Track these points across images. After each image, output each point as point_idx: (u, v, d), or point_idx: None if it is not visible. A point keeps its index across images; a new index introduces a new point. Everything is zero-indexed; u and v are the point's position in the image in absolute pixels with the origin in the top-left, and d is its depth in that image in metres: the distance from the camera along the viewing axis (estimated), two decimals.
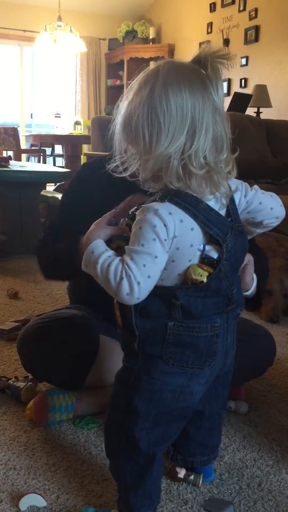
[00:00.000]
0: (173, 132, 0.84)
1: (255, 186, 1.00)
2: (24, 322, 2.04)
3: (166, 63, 0.88)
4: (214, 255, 0.90)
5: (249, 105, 4.90)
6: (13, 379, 1.57)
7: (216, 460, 1.24)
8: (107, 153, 1.15)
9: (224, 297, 0.94)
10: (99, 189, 1.35)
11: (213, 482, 1.18)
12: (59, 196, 3.93)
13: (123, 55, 7.84)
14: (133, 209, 0.92)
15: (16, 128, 6.36)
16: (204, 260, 0.90)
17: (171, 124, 0.84)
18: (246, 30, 5.97)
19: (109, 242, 0.94)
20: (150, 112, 0.85)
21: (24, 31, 7.73)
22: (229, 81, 6.30)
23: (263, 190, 1.02)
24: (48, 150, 6.94)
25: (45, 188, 4.27)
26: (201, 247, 0.90)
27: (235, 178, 0.96)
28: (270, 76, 5.65)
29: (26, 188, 3.44)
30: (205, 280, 0.89)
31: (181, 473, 1.16)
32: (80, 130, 7.20)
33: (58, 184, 4.77)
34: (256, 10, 5.82)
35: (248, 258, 1.16)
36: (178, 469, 1.16)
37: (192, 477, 1.16)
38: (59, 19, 6.37)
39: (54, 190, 4.67)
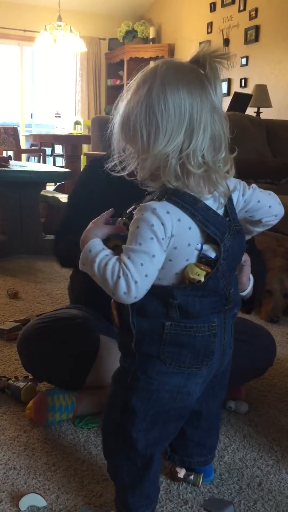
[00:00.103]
0: (171, 131, 0.84)
1: (253, 185, 1.00)
2: (24, 322, 2.04)
3: (164, 63, 0.88)
4: (212, 254, 0.90)
5: (249, 105, 4.90)
6: (13, 379, 1.57)
7: (216, 460, 1.24)
8: (106, 153, 1.15)
9: (222, 297, 0.94)
10: (99, 189, 1.36)
11: (213, 482, 1.18)
12: (59, 196, 3.93)
13: (123, 55, 7.85)
14: (130, 209, 0.92)
15: (16, 128, 6.36)
16: (202, 259, 0.90)
17: (169, 123, 0.84)
18: (246, 30, 5.97)
19: (106, 241, 0.94)
20: (148, 111, 0.85)
21: (24, 31, 7.73)
22: (229, 81, 6.30)
23: (261, 189, 1.02)
24: (48, 150, 6.94)
25: (45, 188, 4.28)
26: (199, 246, 0.90)
27: (234, 177, 0.96)
28: (270, 76, 5.66)
29: (26, 188, 3.44)
30: (202, 279, 0.89)
31: (181, 473, 1.16)
32: (80, 130, 7.20)
33: (58, 184, 4.77)
34: (256, 10, 5.82)
35: (245, 258, 1.16)
36: (178, 469, 1.16)
37: (192, 477, 1.16)
38: (59, 19, 6.37)
39: (54, 190, 4.67)
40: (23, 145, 6.94)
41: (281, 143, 4.30)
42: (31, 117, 8.52)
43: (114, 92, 8.29)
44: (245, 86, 6.04)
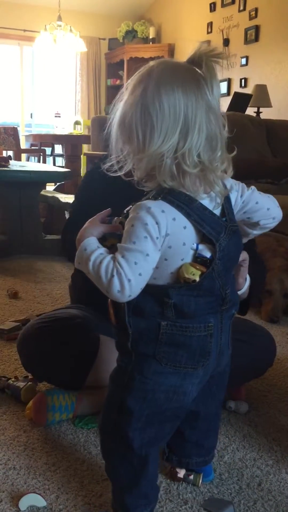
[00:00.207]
0: (165, 131, 0.85)
1: (252, 187, 1.00)
2: (24, 322, 2.04)
3: (159, 63, 0.89)
4: (207, 254, 0.90)
5: (249, 105, 4.90)
6: (13, 379, 1.57)
7: (216, 459, 1.24)
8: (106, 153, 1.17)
9: (218, 297, 0.94)
10: (101, 190, 1.36)
11: (213, 482, 1.18)
12: (59, 196, 3.93)
13: (123, 55, 7.84)
14: (128, 208, 0.93)
15: (16, 128, 6.36)
16: (197, 259, 0.90)
17: (163, 123, 0.85)
18: (246, 30, 5.98)
19: (102, 240, 0.95)
20: (143, 112, 0.86)
21: (24, 30, 7.73)
22: (229, 81, 6.31)
23: (261, 192, 1.02)
24: (48, 150, 6.94)
25: (45, 188, 4.27)
26: (194, 246, 0.90)
27: (233, 179, 0.96)
28: (270, 76, 5.66)
29: (26, 188, 3.44)
30: (197, 279, 0.89)
31: (181, 473, 1.16)
32: (80, 130, 7.20)
33: (58, 184, 4.77)
34: (256, 10, 5.82)
35: (244, 258, 1.16)
36: (178, 469, 1.16)
37: (192, 477, 1.16)
38: (59, 18, 6.37)
39: (54, 190, 4.67)
40: (23, 145, 6.94)
41: (281, 143, 4.30)
42: (31, 117, 8.52)
43: (114, 92, 8.26)
44: (245, 86, 6.04)
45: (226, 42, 6.33)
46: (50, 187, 4.89)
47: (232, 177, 0.98)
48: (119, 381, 0.98)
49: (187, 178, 0.88)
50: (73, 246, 0.96)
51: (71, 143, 6.12)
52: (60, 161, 7.36)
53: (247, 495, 1.14)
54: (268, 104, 5.25)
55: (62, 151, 7.06)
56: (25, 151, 6.65)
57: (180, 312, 0.91)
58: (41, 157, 6.54)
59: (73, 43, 6.46)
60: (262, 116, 5.17)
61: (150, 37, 7.93)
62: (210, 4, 6.60)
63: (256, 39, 5.86)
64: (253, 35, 5.88)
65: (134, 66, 0.91)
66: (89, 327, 1.41)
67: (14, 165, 3.63)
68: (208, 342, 0.94)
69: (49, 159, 7.14)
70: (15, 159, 5.60)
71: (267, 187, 3.45)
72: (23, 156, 6.60)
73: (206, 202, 0.91)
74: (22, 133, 7.65)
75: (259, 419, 1.46)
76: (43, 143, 6.63)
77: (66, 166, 5.94)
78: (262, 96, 5.23)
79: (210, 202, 0.91)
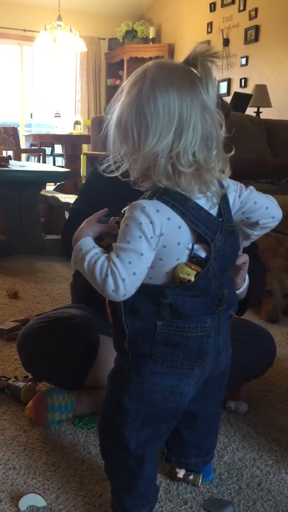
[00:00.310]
0: (160, 130, 0.85)
1: (250, 187, 1.00)
2: (24, 321, 2.04)
3: (154, 64, 0.89)
4: (203, 254, 0.91)
5: (249, 105, 4.90)
6: (12, 379, 1.57)
7: (216, 459, 1.24)
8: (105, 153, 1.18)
9: (214, 297, 0.94)
10: (101, 191, 1.36)
11: (213, 482, 1.18)
12: (59, 196, 3.93)
13: (123, 54, 7.84)
14: (125, 208, 0.93)
15: (16, 127, 6.37)
16: (193, 259, 0.90)
17: (158, 123, 0.85)
18: (246, 30, 5.97)
19: (99, 240, 0.95)
20: (138, 112, 0.86)
21: (24, 30, 7.73)
22: (229, 81, 6.31)
23: (260, 192, 1.01)
24: (48, 150, 6.94)
25: (45, 188, 4.27)
26: (190, 246, 0.90)
27: (233, 179, 0.96)
28: (270, 76, 5.66)
29: (26, 188, 3.44)
30: (192, 279, 0.90)
31: (181, 473, 1.16)
32: (80, 130, 7.21)
33: (58, 184, 4.77)
34: (256, 10, 5.82)
35: (244, 260, 1.16)
36: (177, 469, 1.16)
37: (191, 477, 1.16)
38: (59, 18, 6.37)
39: (54, 190, 4.67)
40: (23, 145, 6.94)
41: (281, 143, 4.30)
42: (31, 117, 8.52)
43: (114, 92, 7.98)
44: (245, 86, 6.04)
45: (226, 42, 6.33)
46: (50, 187, 4.89)
47: (232, 177, 0.98)
48: (117, 381, 0.98)
49: (182, 178, 0.88)
50: (72, 246, 0.97)
51: (71, 143, 6.13)
52: (60, 161, 7.36)
53: (246, 495, 1.14)
54: (268, 104, 5.25)
55: (62, 151, 7.06)
56: (25, 151, 6.66)
57: (176, 312, 0.91)
58: (41, 157, 6.54)
59: (73, 43, 6.46)
60: (262, 116, 5.17)
61: (150, 37, 7.93)
62: (210, 4, 6.60)
63: (256, 39, 5.86)
64: (253, 35, 5.88)
65: (134, 66, 0.92)
66: (88, 327, 1.41)
67: (14, 165, 3.63)
68: (205, 343, 0.94)
69: (49, 159, 7.14)
70: (15, 159, 5.60)
71: (267, 187, 3.45)
72: (23, 156, 6.60)
73: (202, 202, 0.91)
74: (22, 133, 7.65)
75: (258, 419, 1.46)
76: (43, 143, 6.63)
77: (66, 166, 5.94)
78: (262, 96, 5.23)
79: (207, 202, 0.92)
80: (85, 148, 6.92)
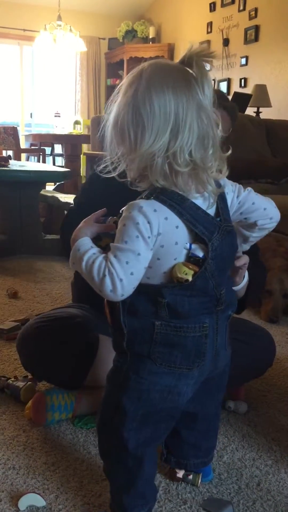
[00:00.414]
0: (156, 130, 0.86)
1: (248, 188, 1.00)
2: (24, 321, 2.04)
3: (150, 64, 0.90)
4: (200, 253, 0.91)
5: (249, 105, 4.90)
6: (12, 379, 1.57)
7: (215, 459, 1.24)
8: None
9: (212, 297, 0.94)
10: (101, 191, 1.36)
11: (212, 482, 1.18)
12: (59, 195, 3.93)
13: (123, 54, 7.84)
14: (123, 208, 0.93)
15: (16, 127, 6.36)
16: (190, 258, 0.91)
17: (154, 123, 0.85)
18: (246, 30, 5.97)
19: (97, 240, 0.95)
20: (135, 112, 0.86)
21: (24, 30, 7.72)
22: (229, 81, 6.30)
23: (258, 194, 1.02)
24: (48, 150, 6.94)
25: (44, 188, 4.27)
26: (187, 245, 0.90)
27: (233, 179, 0.97)
28: (270, 76, 5.65)
29: (25, 187, 3.44)
30: (190, 278, 0.90)
31: (180, 472, 1.16)
32: (79, 130, 7.20)
33: (57, 183, 4.77)
34: (256, 9, 5.81)
35: (245, 261, 1.16)
36: (177, 469, 1.16)
37: (191, 476, 1.16)
38: (59, 18, 6.37)
39: (54, 189, 4.67)
40: (23, 144, 6.94)
41: (281, 143, 4.30)
42: (31, 116, 8.52)
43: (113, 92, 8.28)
44: (245, 86, 6.04)
45: (226, 42, 6.33)
46: (49, 186, 4.89)
47: (231, 177, 0.98)
48: (115, 381, 0.98)
49: (179, 177, 0.88)
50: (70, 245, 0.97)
51: (71, 142, 6.12)
52: (60, 160, 7.36)
53: (246, 495, 1.14)
54: (268, 104, 5.25)
55: (62, 150, 7.06)
56: (25, 150, 6.65)
57: (174, 312, 0.91)
58: (41, 156, 6.54)
59: (73, 42, 6.46)
60: (262, 116, 5.17)
61: (150, 37, 7.93)
62: (210, 4, 6.60)
63: (256, 39, 5.86)
64: (253, 35, 5.87)
65: (134, 66, 0.92)
66: (88, 326, 1.41)
67: (14, 164, 3.62)
68: (203, 343, 0.94)
69: (49, 159, 7.13)
70: (15, 159, 5.60)
71: (267, 187, 3.45)
72: (23, 155, 6.59)
73: (199, 202, 0.91)
74: (22, 133, 7.65)
75: (258, 419, 1.46)
76: (42, 143, 6.63)
77: (65, 166, 5.94)
78: (262, 96, 5.23)
79: (204, 202, 0.92)
80: (85, 148, 6.92)
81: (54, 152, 7.22)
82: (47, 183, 4.67)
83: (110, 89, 8.39)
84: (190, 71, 0.88)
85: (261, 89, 5.26)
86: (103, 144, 0.94)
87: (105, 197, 1.21)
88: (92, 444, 1.31)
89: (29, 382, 1.52)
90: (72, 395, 1.40)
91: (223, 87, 6.32)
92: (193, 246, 0.90)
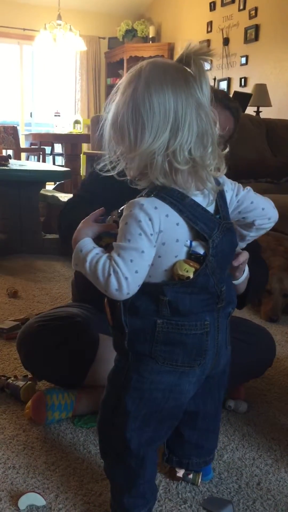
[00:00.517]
0: (156, 129, 0.86)
1: (248, 187, 1.00)
2: (24, 321, 2.04)
3: (148, 63, 0.90)
4: (201, 251, 0.91)
5: (249, 104, 4.90)
6: (12, 378, 1.57)
7: (215, 459, 1.24)
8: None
9: (213, 295, 0.94)
10: (99, 192, 1.36)
11: (212, 481, 1.18)
12: (58, 195, 3.93)
13: (123, 54, 7.84)
14: (122, 207, 0.93)
15: (16, 127, 6.36)
16: (191, 256, 0.91)
17: (154, 122, 0.86)
18: (246, 29, 5.97)
19: (98, 240, 0.95)
20: (134, 111, 0.87)
21: (24, 29, 7.72)
22: (229, 80, 6.30)
23: (258, 193, 1.02)
24: (48, 149, 6.94)
25: (44, 187, 4.27)
26: (188, 243, 0.90)
27: (233, 178, 0.97)
28: (270, 75, 5.65)
29: (25, 187, 3.44)
30: (191, 276, 0.90)
31: (180, 472, 1.16)
32: (79, 129, 7.20)
33: (57, 183, 4.77)
34: (256, 9, 5.81)
35: (245, 258, 1.16)
36: (177, 468, 1.16)
37: (191, 476, 1.16)
38: (59, 17, 6.36)
39: (54, 189, 4.67)
40: (23, 144, 6.94)
41: (281, 142, 4.29)
42: (31, 116, 8.51)
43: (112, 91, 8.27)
44: (245, 85, 6.03)
45: (226, 41, 6.33)
46: (49, 186, 4.89)
47: (231, 177, 0.98)
48: (116, 381, 0.98)
49: (179, 175, 0.88)
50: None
51: (71, 142, 6.11)
52: (59, 160, 7.36)
53: (246, 494, 1.14)
54: (268, 103, 5.25)
55: (62, 150, 7.06)
56: (24, 150, 6.65)
57: (175, 310, 0.91)
58: (41, 156, 6.53)
59: (73, 42, 6.46)
60: (262, 115, 5.17)
61: (150, 36, 7.92)
62: (210, 3, 6.59)
63: (256, 38, 5.85)
64: (253, 34, 5.87)
65: (134, 65, 0.92)
66: (88, 326, 1.41)
67: (14, 164, 3.62)
68: (204, 341, 0.94)
69: (49, 158, 7.13)
70: (15, 158, 5.60)
71: (267, 186, 3.45)
72: (23, 155, 6.59)
73: (199, 199, 0.91)
74: (22, 132, 7.65)
75: (258, 418, 1.46)
76: (42, 142, 6.63)
77: (65, 165, 5.94)
78: (262, 95, 5.22)
79: (204, 199, 0.92)
80: (85, 147, 6.92)
81: (54, 151, 7.22)
82: (47, 183, 4.67)
83: (110, 89, 8.25)
84: (188, 69, 0.88)
85: (261, 89, 5.25)
86: (102, 143, 0.94)
87: (104, 197, 1.21)
88: (92, 443, 1.31)
89: (29, 382, 1.52)
90: (72, 395, 1.40)
91: (223, 86, 6.31)
92: (194, 243, 0.90)
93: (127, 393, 0.95)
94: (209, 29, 6.65)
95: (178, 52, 0.90)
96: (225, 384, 1.09)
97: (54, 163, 6.99)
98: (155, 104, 0.85)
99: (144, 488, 1.01)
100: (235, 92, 5.00)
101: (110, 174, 0.96)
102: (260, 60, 5.83)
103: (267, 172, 3.74)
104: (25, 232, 3.45)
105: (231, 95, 4.94)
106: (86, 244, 0.93)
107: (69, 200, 1.58)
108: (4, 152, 4.92)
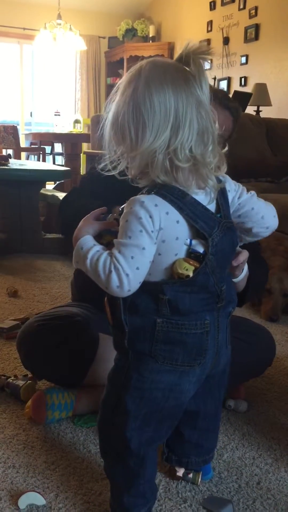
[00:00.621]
0: (157, 127, 0.86)
1: (252, 191, 1.00)
2: (24, 320, 2.04)
3: (148, 62, 0.90)
4: (201, 249, 0.91)
5: (249, 104, 4.90)
6: (12, 378, 1.57)
7: (215, 458, 1.24)
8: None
9: (213, 294, 0.94)
10: (100, 192, 1.36)
11: (212, 481, 1.18)
12: (58, 194, 3.93)
13: (123, 53, 7.83)
14: (123, 205, 0.93)
15: (16, 126, 6.36)
16: (191, 254, 0.91)
17: (155, 120, 0.86)
18: (246, 29, 5.96)
19: (99, 238, 0.95)
20: (135, 110, 0.87)
21: (24, 29, 7.72)
22: (229, 80, 6.30)
23: (262, 199, 1.01)
24: (48, 149, 6.94)
25: (44, 187, 4.27)
26: (188, 241, 0.90)
27: (233, 177, 0.97)
28: (270, 74, 5.65)
29: (25, 186, 3.44)
30: (191, 274, 0.90)
31: (180, 471, 1.16)
32: (79, 129, 7.20)
33: (57, 182, 4.76)
34: (256, 8, 5.81)
35: (245, 257, 1.16)
36: (177, 468, 1.16)
37: (191, 475, 1.16)
38: (59, 17, 6.36)
39: (54, 188, 4.67)
40: (23, 143, 6.94)
41: (281, 142, 4.29)
42: (31, 115, 8.51)
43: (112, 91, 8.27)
44: (245, 84, 6.03)
45: (226, 40, 6.32)
46: (49, 185, 4.89)
47: (232, 176, 0.98)
48: (116, 381, 0.98)
49: (180, 173, 0.89)
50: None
51: (71, 141, 6.11)
52: (59, 159, 7.36)
53: (246, 494, 1.14)
54: (268, 103, 5.25)
55: (62, 149, 7.06)
56: (24, 149, 6.65)
57: (175, 309, 0.91)
58: (41, 155, 6.53)
59: (73, 41, 6.45)
60: (262, 114, 5.17)
61: (150, 35, 7.92)
62: (210, 3, 6.59)
63: (256, 37, 5.85)
64: (253, 34, 5.87)
65: (134, 64, 0.92)
66: (88, 325, 1.41)
67: (14, 163, 3.63)
68: (204, 340, 0.94)
69: (49, 158, 7.13)
70: (15, 158, 5.60)
71: (267, 185, 3.45)
72: (23, 154, 6.59)
73: (201, 197, 0.91)
74: (22, 132, 7.65)
75: (258, 417, 1.46)
76: (42, 142, 6.62)
77: (65, 165, 5.94)
78: (262, 94, 5.22)
79: (205, 197, 0.92)
80: (85, 146, 6.91)
81: (54, 151, 7.22)
82: (47, 182, 4.66)
83: (110, 88, 8.31)
84: (188, 69, 0.88)
85: (261, 88, 5.25)
86: (103, 143, 0.94)
87: (104, 197, 1.21)
88: (92, 442, 1.31)
89: (29, 381, 1.52)
90: (72, 394, 1.40)
91: (223, 85, 6.31)
92: (194, 242, 0.90)
93: (127, 392, 0.95)
94: (209, 29, 6.65)
95: (178, 52, 0.90)
96: (225, 384, 1.09)
97: (54, 163, 6.99)
98: (156, 103, 0.85)
99: (144, 487, 1.01)
100: (235, 92, 5.00)
101: (111, 174, 0.96)
102: (260, 60, 5.83)
103: (267, 171, 3.74)
104: (25, 232, 3.45)
105: (231, 95, 4.94)
106: (87, 242, 0.93)
107: (73, 189, 1.58)
108: (4, 152, 4.92)
